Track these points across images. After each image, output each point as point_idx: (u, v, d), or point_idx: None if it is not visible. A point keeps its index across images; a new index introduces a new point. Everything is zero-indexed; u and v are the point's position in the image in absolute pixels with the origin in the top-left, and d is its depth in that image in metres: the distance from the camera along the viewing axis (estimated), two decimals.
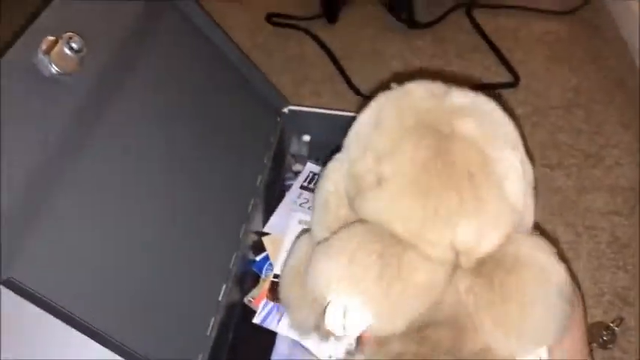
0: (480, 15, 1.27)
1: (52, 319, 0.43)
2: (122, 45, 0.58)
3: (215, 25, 0.72)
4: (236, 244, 0.68)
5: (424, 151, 0.44)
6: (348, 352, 0.54)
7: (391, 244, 0.44)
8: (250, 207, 0.72)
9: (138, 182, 0.57)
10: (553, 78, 1.14)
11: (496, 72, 1.15)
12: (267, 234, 0.75)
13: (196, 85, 0.69)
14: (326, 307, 0.44)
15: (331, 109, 0.83)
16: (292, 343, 0.66)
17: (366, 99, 0.54)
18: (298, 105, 0.85)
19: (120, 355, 0.46)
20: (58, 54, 0.47)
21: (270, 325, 0.67)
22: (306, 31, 1.25)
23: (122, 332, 0.48)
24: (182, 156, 0.63)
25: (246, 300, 0.70)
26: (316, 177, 0.81)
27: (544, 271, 0.45)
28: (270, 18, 1.29)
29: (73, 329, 0.44)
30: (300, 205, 0.77)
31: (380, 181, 0.45)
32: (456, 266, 0.45)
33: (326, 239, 0.48)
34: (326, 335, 0.51)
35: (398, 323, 0.44)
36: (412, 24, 1.25)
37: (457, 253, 0.44)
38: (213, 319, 0.61)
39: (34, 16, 0.49)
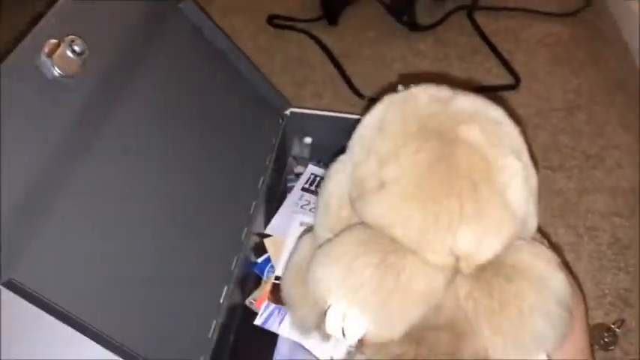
0: (480, 17, 1.27)
1: (53, 321, 0.43)
2: (124, 48, 0.58)
3: (217, 27, 0.73)
4: (238, 246, 0.68)
5: (427, 157, 0.44)
6: (349, 353, 0.54)
7: (391, 250, 0.44)
8: (252, 209, 0.73)
9: (139, 184, 0.57)
10: (554, 80, 1.14)
11: (497, 74, 1.15)
12: (268, 236, 0.75)
13: (198, 88, 0.69)
14: (326, 311, 0.44)
15: (332, 111, 0.83)
16: (294, 344, 0.66)
17: (370, 101, 0.54)
18: (300, 107, 0.85)
19: (121, 357, 0.46)
20: (60, 57, 0.48)
21: (272, 327, 0.67)
22: (308, 34, 1.25)
23: (123, 334, 0.48)
24: (183, 158, 0.64)
25: (247, 302, 0.70)
26: (318, 179, 0.81)
27: (543, 279, 0.45)
28: (272, 20, 1.30)
29: (74, 330, 0.44)
30: (302, 207, 0.77)
31: (381, 186, 0.45)
32: (456, 271, 0.45)
33: (328, 240, 0.48)
34: (327, 335, 0.51)
35: (397, 330, 0.44)
36: (413, 26, 1.25)
37: (457, 259, 0.44)
38: (214, 321, 0.61)
39: (37, 19, 0.50)
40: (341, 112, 0.82)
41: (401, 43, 1.24)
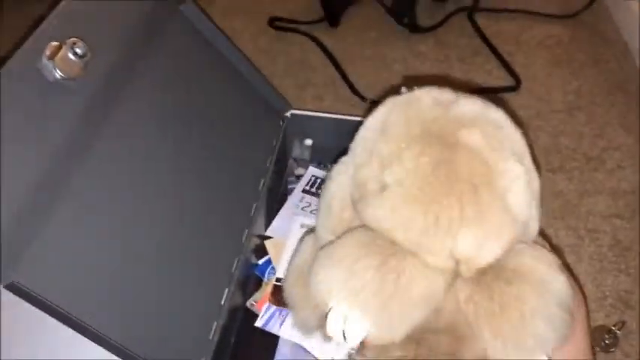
0: (481, 19, 1.27)
1: (55, 323, 0.43)
2: (126, 50, 0.58)
3: (218, 29, 0.73)
4: (238, 248, 0.68)
5: (428, 160, 0.44)
6: (350, 355, 0.54)
7: (391, 253, 0.44)
8: (253, 210, 0.73)
9: (140, 186, 0.57)
10: (554, 81, 1.14)
11: (498, 76, 1.15)
12: (269, 237, 0.75)
13: (199, 90, 0.69)
14: (327, 313, 0.44)
15: (333, 113, 0.83)
16: (295, 345, 0.66)
17: (372, 104, 0.53)
18: (300, 109, 0.85)
19: (122, 359, 0.47)
20: (62, 59, 0.48)
21: (273, 328, 0.67)
22: (309, 36, 1.26)
23: (125, 335, 0.48)
24: (184, 160, 0.64)
25: (248, 304, 0.70)
26: (318, 181, 0.81)
27: (544, 282, 0.45)
28: (273, 22, 1.30)
29: (75, 332, 0.44)
30: (303, 208, 0.77)
31: (383, 188, 0.45)
32: (456, 275, 0.45)
33: (330, 242, 0.48)
34: (328, 337, 0.51)
35: (397, 332, 0.44)
36: (414, 28, 1.25)
37: (458, 263, 0.44)
38: (215, 323, 0.61)
39: (38, 21, 0.50)
40: (342, 114, 0.82)
41: (401, 44, 1.24)
